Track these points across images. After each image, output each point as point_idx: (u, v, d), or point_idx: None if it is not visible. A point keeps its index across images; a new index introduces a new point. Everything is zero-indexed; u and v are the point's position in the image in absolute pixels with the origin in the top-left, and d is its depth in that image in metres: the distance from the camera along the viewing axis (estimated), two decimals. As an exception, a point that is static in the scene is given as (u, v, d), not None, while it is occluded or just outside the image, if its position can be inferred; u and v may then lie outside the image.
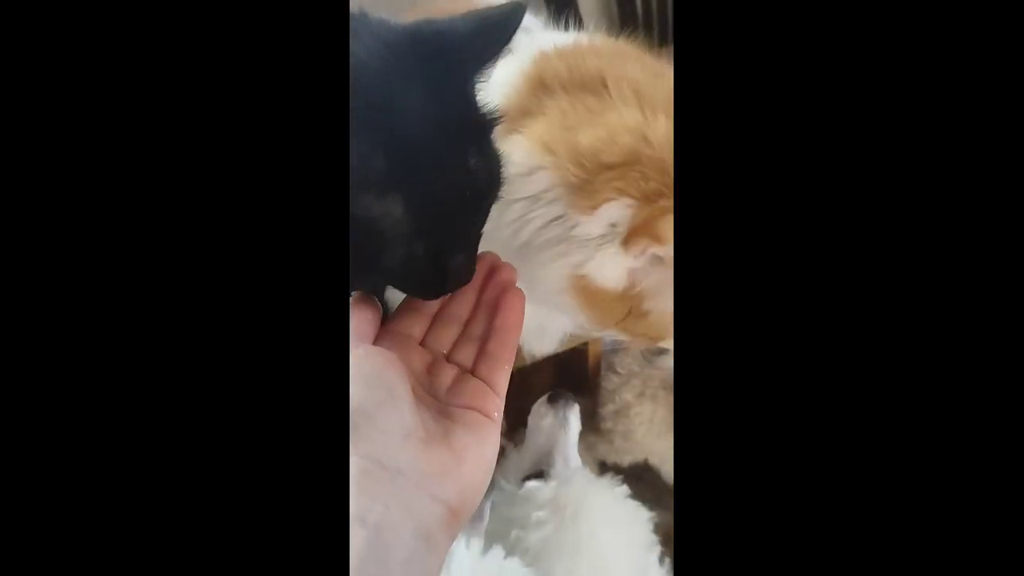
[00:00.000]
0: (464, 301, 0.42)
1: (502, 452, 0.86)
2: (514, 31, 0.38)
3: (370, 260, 0.35)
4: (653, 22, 1.21)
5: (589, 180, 0.47)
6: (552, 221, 0.49)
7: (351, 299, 0.39)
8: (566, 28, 0.69)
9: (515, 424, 0.92)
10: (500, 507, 0.76)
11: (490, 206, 0.39)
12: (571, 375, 0.87)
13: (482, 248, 0.41)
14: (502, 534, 0.72)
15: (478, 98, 0.37)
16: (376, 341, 0.39)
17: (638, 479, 0.96)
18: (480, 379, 0.40)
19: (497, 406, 0.39)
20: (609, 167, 0.47)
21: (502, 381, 0.40)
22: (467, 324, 0.42)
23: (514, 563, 0.62)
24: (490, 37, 0.37)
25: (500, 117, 0.38)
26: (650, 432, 0.90)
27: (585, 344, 0.95)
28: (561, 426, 0.82)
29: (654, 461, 0.91)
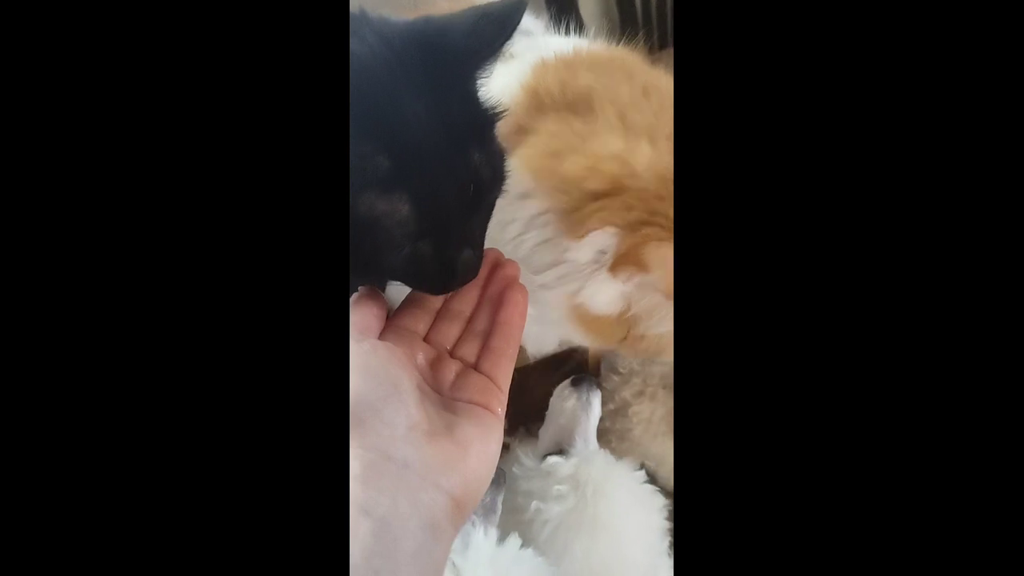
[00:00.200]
0: (467, 297, 0.42)
1: (509, 446, 0.87)
2: (515, 27, 0.37)
3: (376, 258, 0.35)
4: (653, 24, 1.20)
5: (576, 208, 0.48)
6: (545, 242, 0.50)
7: (357, 294, 0.40)
8: (567, 32, 0.69)
9: (515, 423, 0.93)
10: (520, 481, 0.78)
11: (494, 201, 0.39)
12: (571, 374, 0.87)
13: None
14: (522, 507, 0.74)
15: (480, 94, 0.37)
16: (381, 336, 0.39)
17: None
18: (483, 374, 0.40)
19: (500, 400, 0.39)
20: (594, 196, 0.48)
21: (505, 376, 0.40)
22: (470, 320, 0.42)
23: (528, 553, 0.64)
24: (491, 33, 0.36)
25: (502, 112, 0.38)
26: (647, 432, 0.90)
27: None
28: (583, 409, 0.82)
29: (650, 465, 0.90)
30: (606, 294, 0.50)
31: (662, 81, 0.54)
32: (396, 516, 0.31)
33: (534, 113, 0.53)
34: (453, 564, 0.59)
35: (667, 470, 0.90)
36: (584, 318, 0.53)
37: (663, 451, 0.90)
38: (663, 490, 0.82)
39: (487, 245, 0.41)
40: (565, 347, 0.72)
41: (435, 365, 0.40)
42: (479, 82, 0.37)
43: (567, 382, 0.84)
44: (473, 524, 0.63)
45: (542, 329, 0.60)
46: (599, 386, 0.86)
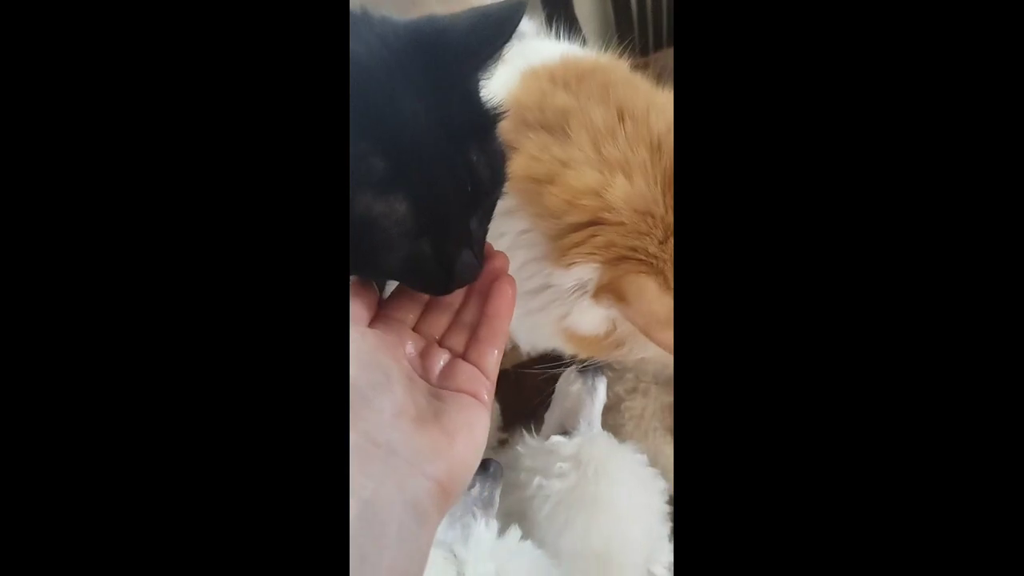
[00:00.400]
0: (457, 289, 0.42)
1: (507, 441, 0.89)
2: (515, 28, 0.37)
3: (375, 258, 0.35)
4: (648, 25, 1.18)
5: (559, 236, 0.50)
6: (533, 260, 0.52)
7: (351, 282, 0.39)
8: (558, 36, 0.70)
9: (511, 420, 0.94)
10: (524, 458, 0.79)
11: (495, 203, 0.39)
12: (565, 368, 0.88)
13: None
14: (525, 483, 0.76)
15: (480, 94, 0.37)
16: (371, 325, 0.39)
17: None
18: (471, 363, 0.40)
19: (488, 389, 0.39)
20: (574, 228, 0.49)
21: (492, 365, 0.40)
22: (459, 311, 0.42)
23: (528, 545, 0.66)
24: (491, 33, 0.36)
25: (504, 112, 0.38)
26: (639, 427, 0.91)
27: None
28: (588, 393, 0.84)
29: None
30: (591, 317, 0.52)
31: (639, 95, 0.54)
32: (382, 499, 0.32)
33: (520, 127, 0.54)
34: (454, 555, 0.60)
35: (659, 465, 0.89)
36: (573, 337, 0.55)
37: (655, 446, 0.91)
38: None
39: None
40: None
41: (424, 354, 0.40)
42: (480, 82, 0.37)
43: (573, 367, 0.84)
44: (474, 516, 0.65)
45: (536, 342, 0.62)
46: (604, 372, 0.86)
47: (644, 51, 1.17)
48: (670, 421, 0.93)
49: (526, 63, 0.60)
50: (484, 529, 0.63)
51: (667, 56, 1.02)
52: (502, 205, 0.51)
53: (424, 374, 0.39)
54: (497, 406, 0.96)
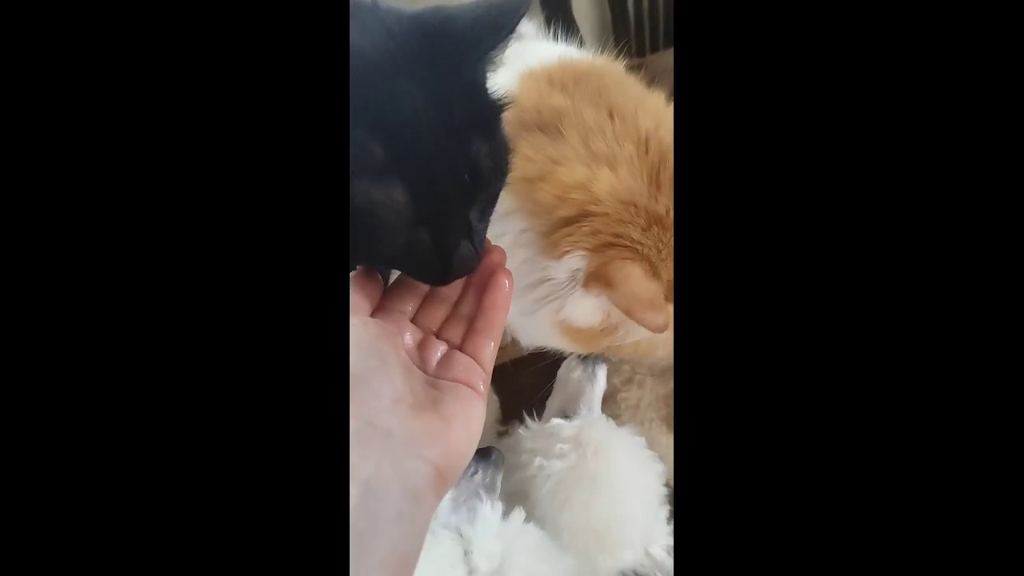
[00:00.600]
0: (455, 282, 0.42)
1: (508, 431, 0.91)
2: (520, 18, 0.37)
3: (373, 245, 0.35)
4: (644, 27, 1.20)
5: (550, 231, 0.53)
6: (528, 259, 0.55)
7: (353, 274, 0.40)
8: (556, 38, 0.72)
9: (510, 413, 0.96)
10: (526, 440, 0.82)
11: (496, 195, 0.39)
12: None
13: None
14: (527, 463, 0.78)
15: (485, 86, 0.37)
16: (372, 315, 0.40)
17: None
18: (468, 355, 0.41)
19: (483, 380, 0.40)
20: (564, 221, 0.52)
21: (488, 356, 0.41)
22: (456, 303, 0.43)
23: (531, 527, 0.68)
24: (496, 24, 0.36)
25: (508, 103, 0.38)
26: (635, 417, 0.94)
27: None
28: (589, 379, 0.87)
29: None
30: (585, 308, 0.54)
31: (630, 96, 0.57)
32: (379, 481, 0.32)
33: (517, 127, 0.56)
34: (460, 534, 0.63)
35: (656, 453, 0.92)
36: (569, 331, 0.57)
37: (651, 435, 0.93)
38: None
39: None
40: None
41: (422, 345, 0.41)
42: (485, 74, 0.37)
43: (574, 356, 0.87)
44: (480, 499, 0.67)
45: (534, 338, 0.64)
46: (605, 360, 0.89)
47: (640, 52, 1.20)
48: (665, 411, 0.95)
49: (525, 65, 0.63)
50: (490, 511, 0.66)
51: (663, 58, 1.06)
52: (501, 207, 0.52)
53: (422, 364, 0.40)
54: (496, 399, 0.99)
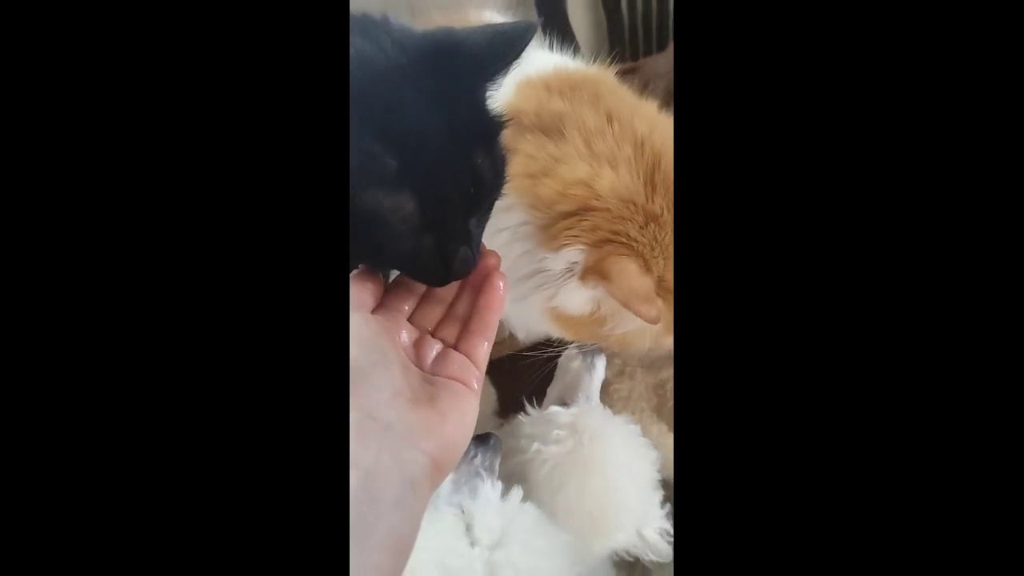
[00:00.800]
0: (450, 284, 0.44)
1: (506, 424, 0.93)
2: (525, 46, 0.40)
3: (381, 250, 0.37)
4: (638, 32, 1.24)
5: (550, 224, 0.56)
6: (526, 252, 0.58)
7: (356, 272, 0.42)
8: (551, 47, 0.75)
9: (507, 407, 0.99)
10: (524, 426, 0.85)
11: (493, 203, 0.42)
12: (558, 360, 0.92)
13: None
14: (525, 448, 0.81)
15: (488, 103, 0.39)
16: (372, 312, 0.41)
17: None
18: (462, 353, 0.42)
19: (477, 378, 0.42)
20: (564, 215, 0.55)
21: (482, 355, 0.43)
22: (452, 304, 0.45)
23: (529, 505, 0.72)
24: (504, 50, 0.39)
25: (507, 121, 0.41)
26: (627, 408, 0.96)
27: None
28: (587, 370, 0.90)
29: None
30: (578, 298, 0.58)
31: (625, 103, 0.61)
32: (379, 469, 0.34)
33: (516, 134, 0.60)
34: (463, 510, 0.66)
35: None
36: (560, 318, 0.61)
37: (643, 424, 0.95)
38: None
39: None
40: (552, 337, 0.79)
41: (418, 344, 0.42)
42: (488, 92, 0.39)
43: (574, 346, 0.88)
44: (481, 478, 0.71)
45: (527, 325, 0.67)
46: (603, 352, 0.92)
47: (634, 56, 1.23)
48: (655, 400, 0.98)
49: (521, 73, 0.66)
50: (490, 489, 0.69)
51: (655, 61, 1.10)
52: (501, 202, 0.54)
53: (418, 362, 0.41)
54: (494, 392, 1.01)
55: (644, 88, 0.94)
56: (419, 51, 0.37)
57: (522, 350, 0.91)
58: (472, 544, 0.63)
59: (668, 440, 0.94)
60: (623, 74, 0.77)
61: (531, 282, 0.59)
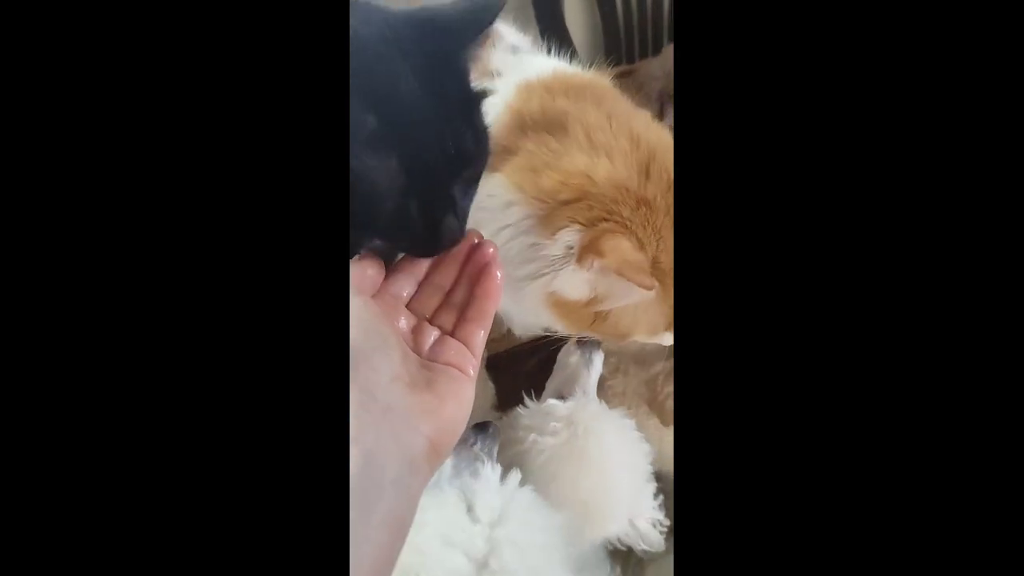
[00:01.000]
0: (448, 272, 0.46)
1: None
2: (496, 14, 0.42)
3: (368, 214, 0.38)
4: (634, 35, 1.28)
5: (550, 213, 0.59)
6: (529, 246, 0.61)
7: (358, 256, 0.43)
8: (550, 51, 0.79)
9: (505, 400, 1.01)
10: (522, 418, 0.87)
11: (479, 176, 0.43)
12: (555, 356, 0.95)
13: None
14: (522, 439, 0.84)
15: (468, 76, 0.42)
16: (372, 297, 0.42)
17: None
18: (459, 340, 0.44)
19: (473, 365, 0.43)
20: (565, 203, 0.59)
21: (478, 343, 0.44)
22: (449, 292, 0.46)
23: (527, 488, 0.74)
24: (476, 18, 0.42)
25: (488, 94, 0.43)
26: (622, 404, 0.98)
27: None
28: (585, 364, 0.92)
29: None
30: (575, 282, 0.61)
31: (623, 107, 0.65)
32: (380, 451, 0.35)
33: (517, 133, 0.64)
34: (464, 489, 0.69)
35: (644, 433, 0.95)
36: (557, 304, 0.64)
37: (638, 418, 0.96)
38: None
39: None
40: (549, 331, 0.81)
41: (416, 330, 0.44)
42: (468, 66, 0.42)
43: (573, 341, 0.92)
44: (482, 462, 0.74)
45: (528, 318, 0.69)
46: (601, 347, 0.94)
47: (630, 59, 1.27)
48: (648, 395, 1.01)
49: (522, 76, 0.70)
50: (491, 471, 0.72)
51: (650, 65, 1.13)
52: (504, 198, 0.61)
53: (415, 348, 0.42)
54: (492, 387, 1.04)
55: (639, 91, 0.97)
56: (403, 24, 0.40)
57: (520, 346, 0.94)
58: (474, 522, 0.66)
59: (661, 433, 0.96)
60: (619, 77, 0.80)
61: (531, 268, 0.62)
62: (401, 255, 0.45)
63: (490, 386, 1.04)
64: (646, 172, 0.60)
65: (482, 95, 0.43)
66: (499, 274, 0.46)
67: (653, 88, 0.99)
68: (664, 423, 0.98)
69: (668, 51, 1.16)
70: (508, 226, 0.62)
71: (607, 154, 0.60)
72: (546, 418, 0.85)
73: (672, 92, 1.01)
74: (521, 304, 0.65)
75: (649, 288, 0.57)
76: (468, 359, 0.43)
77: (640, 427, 0.94)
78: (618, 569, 0.85)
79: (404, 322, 0.43)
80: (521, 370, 0.98)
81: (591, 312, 0.64)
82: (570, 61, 0.78)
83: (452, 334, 0.44)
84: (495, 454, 0.78)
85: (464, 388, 0.42)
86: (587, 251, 0.58)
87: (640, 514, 0.85)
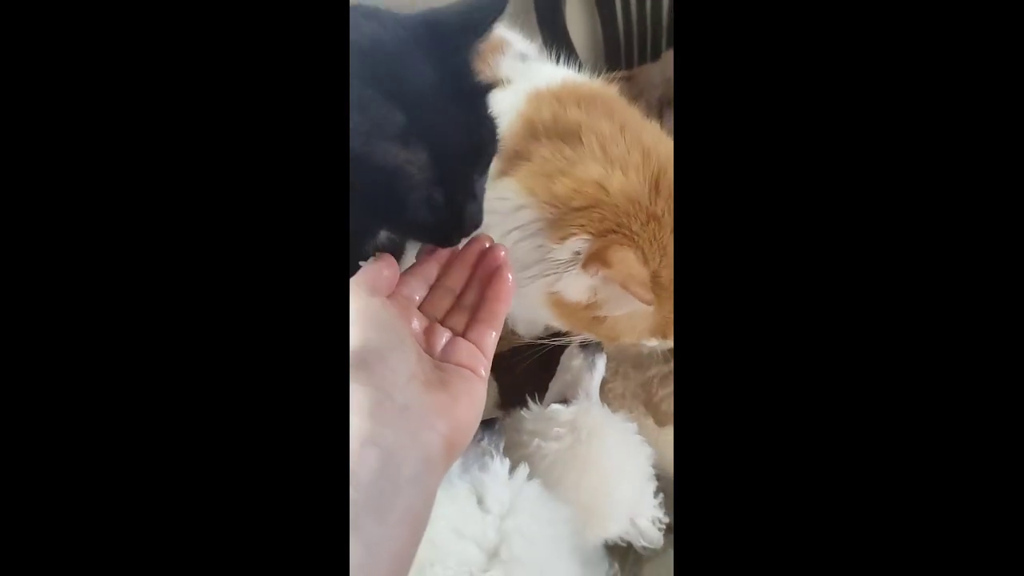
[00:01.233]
0: (458, 275, 0.47)
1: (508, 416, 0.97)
2: (498, 15, 0.45)
3: (401, 206, 0.41)
4: (633, 41, 1.29)
5: (560, 218, 0.62)
6: (538, 247, 0.63)
7: (374, 257, 0.44)
8: (556, 60, 0.81)
9: (508, 400, 1.02)
10: (526, 422, 0.88)
11: (490, 161, 0.46)
12: (556, 355, 0.97)
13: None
14: (526, 443, 0.84)
15: (476, 71, 0.45)
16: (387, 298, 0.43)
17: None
18: (470, 342, 0.44)
19: (485, 366, 0.44)
20: (576, 210, 0.61)
21: (489, 344, 0.45)
22: (460, 295, 0.46)
23: (534, 483, 0.75)
24: (480, 17, 0.45)
25: (495, 86, 0.45)
26: (622, 406, 0.99)
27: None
28: (588, 368, 0.94)
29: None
30: (578, 285, 0.63)
31: (634, 118, 0.68)
32: (398, 448, 0.36)
33: (529, 139, 0.66)
34: (473, 485, 0.70)
35: (642, 434, 0.97)
36: (558, 304, 0.66)
37: (637, 419, 0.96)
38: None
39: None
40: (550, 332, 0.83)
41: (428, 331, 0.44)
42: (473, 60, 0.45)
43: (576, 343, 0.93)
44: (490, 456, 0.75)
45: (528, 314, 0.71)
46: (604, 350, 0.96)
47: (629, 65, 1.29)
48: (644, 396, 1.03)
49: (531, 84, 0.72)
50: (499, 465, 0.74)
51: (649, 71, 1.15)
52: (515, 201, 0.64)
53: (428, 349, 0.43)
54: (495, 385, 1.05)
55: (638, 96, 0.99)
56: (415, 25, 0.44)
57: (522, 345, 0.95)
58: (484, 514, 0.68)
59: (657, 433, 0.98)
60: (618, 82, 0.82)
61: (537, 268, 0.64)
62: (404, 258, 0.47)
63: (493, 384, 1.06)
64: (656, 187, 0.62)
65: (489, 87, 0.45)
66: (511, 277, 0.46)
67: (652, 94, 1.02)
68: (659, 423, 1.00)
69: (667, 57, 1.18)
70: (517, 228, 0.64)
71: (621, 167, 0.62)
72: (549, 423, 0.87)
73: (670, 98, 1.03)
74: (522, 301, 0.67)
75: (648, 303, 0.59)
76: (480, 360, 0.44)
77: (640, 427, 0.95)
78: (616, 565, 0.87)
79: (417, 323, 0.44)
80: (523, 369, 0.99)
81: (589, 315, 0.66)
82: (579, 70, 0.80)
83: (463, 335, 0.45)
84: (502, 448, 0.80)
85: (477, 388, 0.43)
86: (594, 259, 0.60)
87: (640, 513, 0.86)
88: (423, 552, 0.58)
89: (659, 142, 0.66)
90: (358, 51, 0.39)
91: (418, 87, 0.40)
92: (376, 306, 0.41)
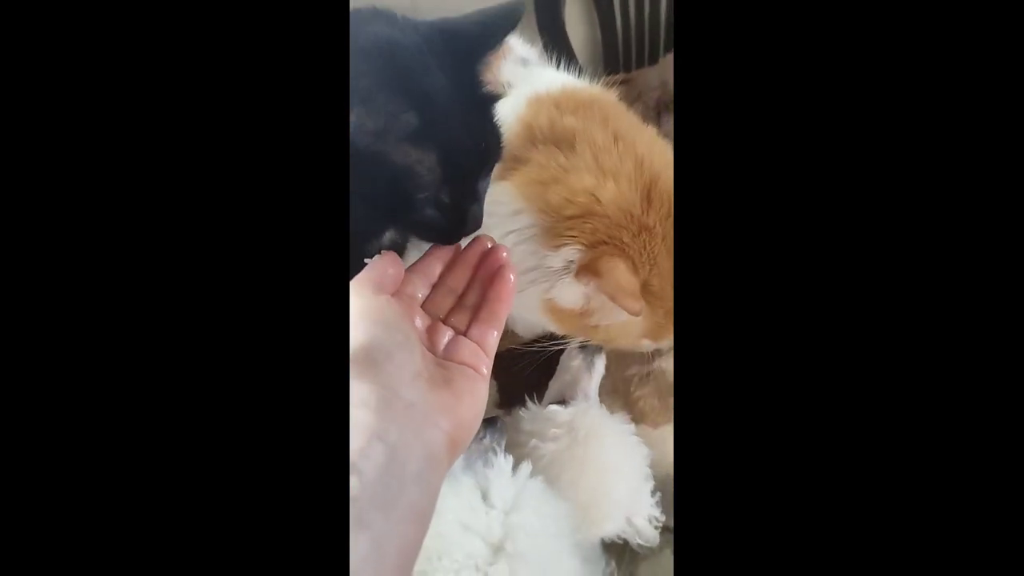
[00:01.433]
0: (460, 275, 0.48)
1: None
2: (516, 23, 0.47)
3: (411, 204, 0.42)
4: (632, 45, 1.30)
5: (554, 226, 0.63)
6: (531, 253, 0.65)
7: (379, 255, 0.45)
8: (557, 64, 0.83)
9: (507, 399, 1.02)
10: (525, 422, 0.90)
11: (493, 166, 0.48)
12: (556, 355, 0.97)
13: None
14: (523, 443, 0.85)
15: (485, 79, 0.46)
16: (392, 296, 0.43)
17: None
18: (472, 341, 0.45)
19: (487, 364, 0.45)
20: (568, 219, 0.63)
21: (491, 343, 0.46)
22: (462, 295, 0.47)
23: (537, 480, 0.76)
24: (495, 28, 0.47)
25: (501, 95, 0.47)
26: (614, 404, 0.98)
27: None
28: (587, 368, 0.95)
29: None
30: (571, 293, 0.65)
31: (629, 126, 0.69)
32: (403, 444, 0.36)
33: (527, 145, 0.67)
34: (477, 480, 0.72)
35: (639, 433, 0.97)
36: (553, 310, 0.68)
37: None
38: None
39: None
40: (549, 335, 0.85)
41: (430, 330, 0.45)
42: (482, 68, 0.46)
43: (576, 344, 0.94)
44: (494, 452, 0.77)
45: (526, 316, 0.73)
46: (603, 351, 0.97)
47: (627, 68, 1.30)
48: (624, 393, 1.03)
49: (532, 89, 0.73)
50: (503, 460, 0.76)
51: (648, 74, 1.16)
52: (512, 206, 0.65)
53: (431, 347, 0.44)
54: (494, 384, 1.05)
55: (636, 99, 1.00)
56: (430, 31, 0.45)
57: (521, 344, 0.97)
58: (489, 509, 0.70)
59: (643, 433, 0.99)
60: (617, 85, 0.83)
61: (531, 275, 0.66)
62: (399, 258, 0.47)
63: (492, 384, 1.07)
64: (648, 198, 0.64)
65: (495, 97, 0.48)
66: (512, 277, 0.47)
67: (650, 97, 1.03)
68: (634, 421, 1.00)
69: (665, 60, 1.19)
70: (513, 232, 0.66)
71: (613, 177, 0.64)
72: (547, 424, 0.88)
73: (668, 101, 1.04)
74: (521, 306, 0.69)
75: (636, 314, 0.61)
76: (482, 359, 0.45)
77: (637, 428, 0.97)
78: (613, 563, 0.88)
79: (419, 322, 0.45)
80: (521, 369, 1.00)
81: (584, 322, 0.68)
82: (578, 75, 0.81)
83: (465, 334, 0.46)
84: (504, 445, 0.82)
85: (479, 386, 0.43)
86: (585, 270, 0.62)
87: (637, 512, 0.88)
88: (431, 544, 0.61)
89: (653, 150, 0.67)
90: (377, 54, 0.41)
91: (431, 91, 0.42)
92: (381, 304, 0.42)
